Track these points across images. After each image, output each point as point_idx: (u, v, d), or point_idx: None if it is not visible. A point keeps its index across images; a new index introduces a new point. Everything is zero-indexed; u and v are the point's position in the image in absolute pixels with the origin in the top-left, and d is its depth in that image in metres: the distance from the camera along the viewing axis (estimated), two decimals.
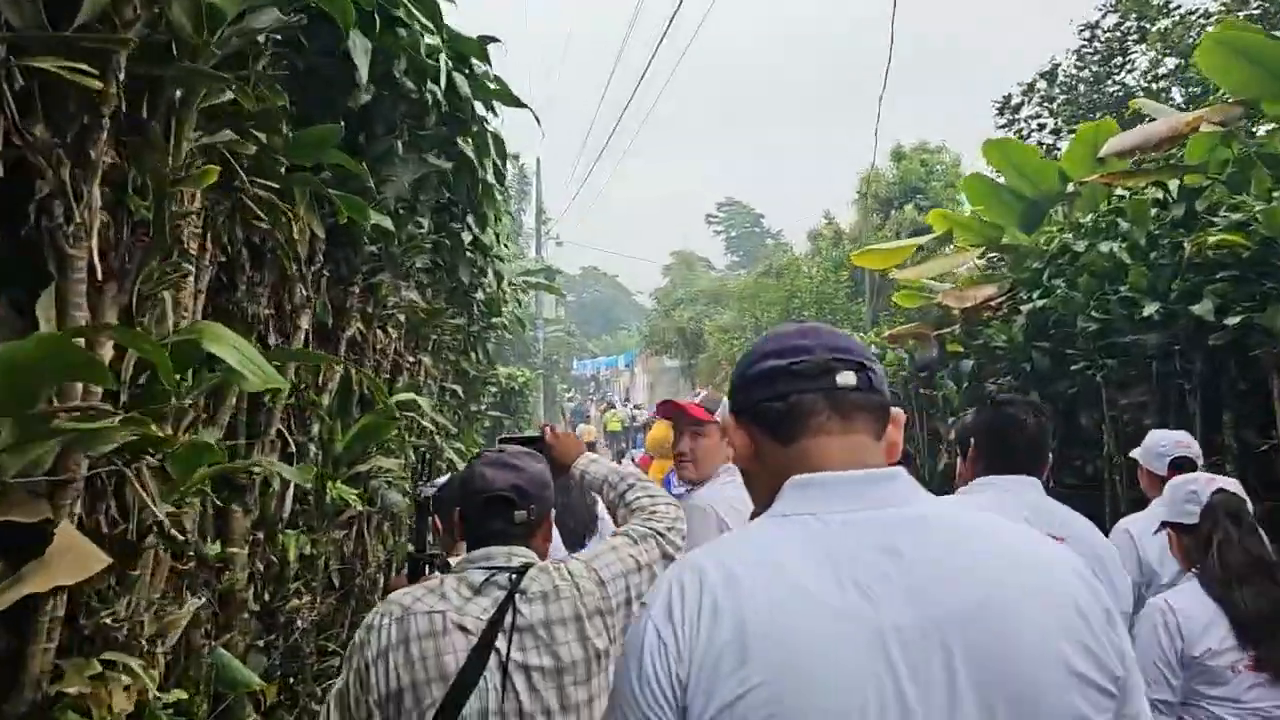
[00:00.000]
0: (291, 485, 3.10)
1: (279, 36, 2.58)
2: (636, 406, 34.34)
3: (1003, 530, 1.12)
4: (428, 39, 3.34)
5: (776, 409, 1.18)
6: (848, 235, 24.20)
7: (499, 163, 4.31)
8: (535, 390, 15.18)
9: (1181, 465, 3.51)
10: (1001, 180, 7.14)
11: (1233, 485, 2.80)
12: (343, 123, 3.07)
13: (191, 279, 2.05)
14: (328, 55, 2.98)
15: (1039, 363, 5.81)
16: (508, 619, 1.78)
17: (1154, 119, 5.88)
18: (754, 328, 15.67)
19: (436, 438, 6.07)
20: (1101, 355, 5.15)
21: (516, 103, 4.24)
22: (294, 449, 3.00)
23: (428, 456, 5.83)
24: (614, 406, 31.38)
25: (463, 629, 1.76)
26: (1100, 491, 5.42)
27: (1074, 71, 11.30)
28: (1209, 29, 10.17)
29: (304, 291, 2.93)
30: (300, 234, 2.83)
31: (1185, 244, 4.44)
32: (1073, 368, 5.39)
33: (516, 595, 1.80)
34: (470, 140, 4.09)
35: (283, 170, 2.59)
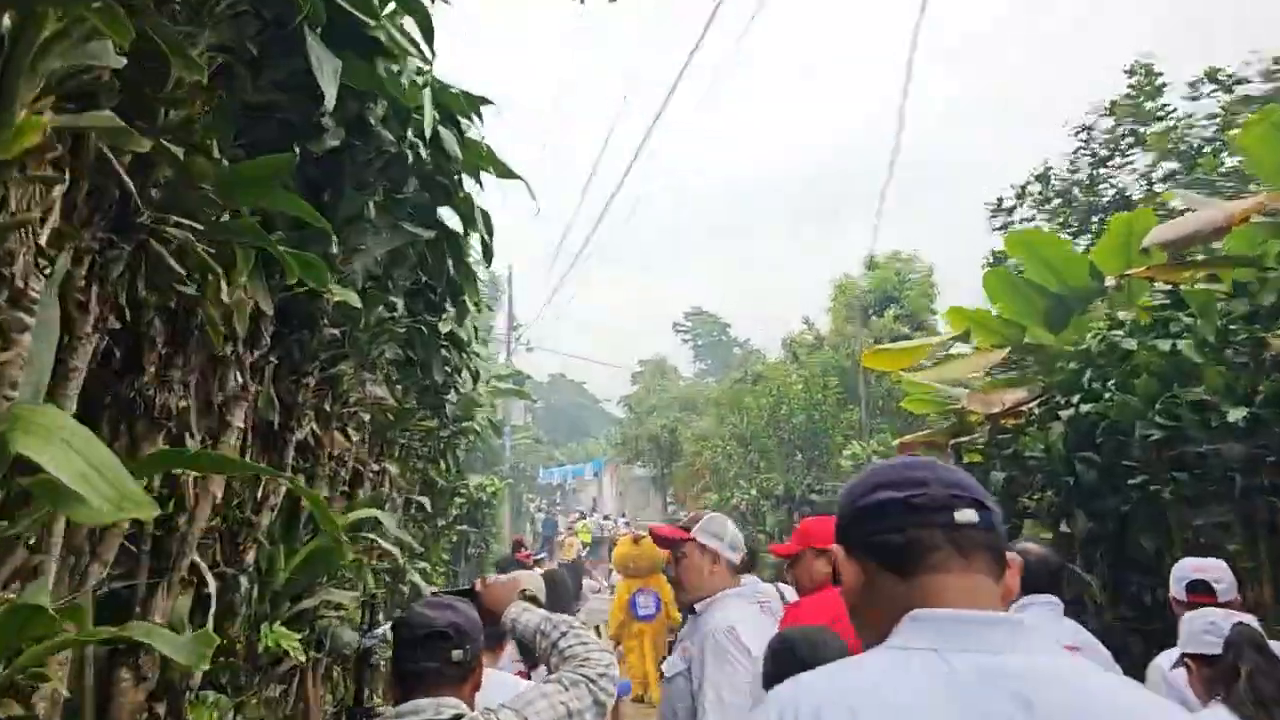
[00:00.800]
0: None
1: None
2: (605, 517, 33.25)
3: (1125, 692, 1.08)
4: (414, 76, 2.73)
5: (894, 542, 1.17)
6: (828, 341, 23.95)
7: (486, 239, 3.68)
8: (502, 501, 14.25)
9: (1197, 588, 3.51)
10: (1023, 275, 6.67)
11: (1249, 618, 2.84)
12: (301, 172, 2.43)
13: (34, 340, 1.33)
14: (284, 89, 2.37)
15: (1084, 476, 5.17)
16: None
17: (1187, 211, 5.44)
18: (734, 434, 15.03)
19: (399, 558, 5.29)
20: (1169, 468, 4.53)
21: (510, 174, 3.63)
22: (212, 587, 2.23)
23: (372, 602, 5.10)
24: (584, 516, 30.23)
25: None
26: (1164, 623, 4.71)
27: (1067, 175, 11.18)
28: (1213, 130, 10.09)
29: (239, 379, 2.23)
30: (238, 304, 2.15)
31: (1268, 338, 3.89)
32: (1129, 482, 4.77)
33: None
34: (455, 211, 3.47)
35: (216, 217, 1.94)
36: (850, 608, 1.27)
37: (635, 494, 44.56)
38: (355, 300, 2.73)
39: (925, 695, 1.03)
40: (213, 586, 2.17)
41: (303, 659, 2.98)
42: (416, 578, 5.56)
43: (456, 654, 1.91)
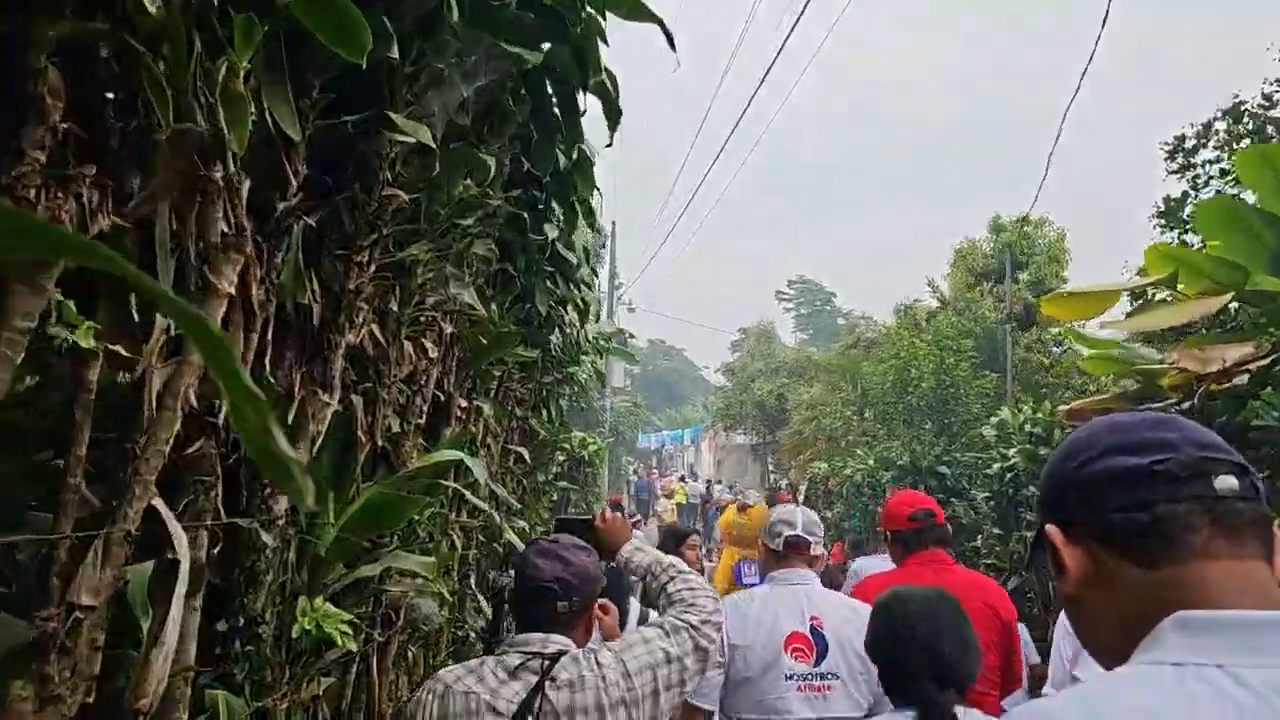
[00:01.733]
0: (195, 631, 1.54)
1: None
2: (709, 482, 32.50)
3: None
4: None
5: (1138, 523, 0.92)
6: (951, 307, 22.39)
7: (611, 101, 2.74)
8: (603, 461, 13.53)
9: None
10: (1252, 205, 5.38)
11: None
12: None
13: None
14: None
15: None
16: (536, 703, 1.86)
17: None
18: (851, 402, 13.86)
19: (495, 514, 4.51)
20: None
21: (646, 13, 2.61)
22: (182, 549, 1.38)
23: (501, 548, 4.52)
24: (684, 479, 29.45)
25: (494, 710, 1.86)
26: None
27: (1260, 110, 9.57)
28: None
29: (231, 219, 1.37)
30: (231, 100, 1.30)
31: None
32: None
33: (546, 682, 1.88)
34: (571, 49, 2.53)
35: None
36: (1074, 608, 1.00)
37: (733, 462, 43.72)
38: (429, 139, 1.85)
39: None
40: (183, 548, 1.32)
41: (354, 646, 2.17)
42: (513, 537, 4.75)
43: (562, 605, 2.00)
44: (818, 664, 2.86)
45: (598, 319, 9.66)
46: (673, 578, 2.26)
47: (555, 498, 9.40)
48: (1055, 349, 13.95)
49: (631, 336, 21.04)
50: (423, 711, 1.94)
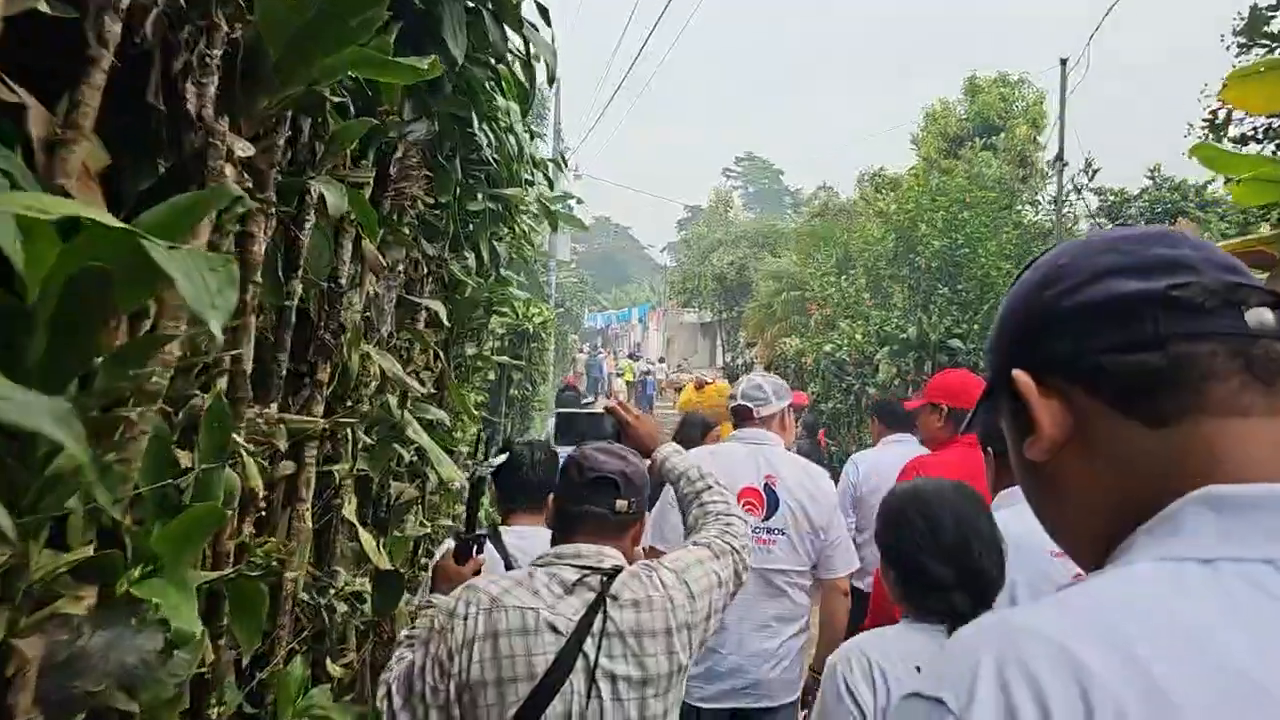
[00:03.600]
0: None
1: None
2: (652, 361, 31.79)
3: None
4: None
5: (1140, 364, 0.67)
6: (925, 174, 20.82)
7: None
8: (551, 335, 11.83)
9: None
10: None
11: None
12: None
13: None
14: None
15: None
16: (598, 623, 1.73)
17: None
18: (829, 271, 12.17)
19: (390, 399, 2.89)
20: None
21: None
22: None
23: (483, 436, 3.62)
24: (633, 357, 28.18)
25: (554, 629, 1.71)
26: None
27: None
28: None
29: None
30: None
31: None
32: None
33: (608, 600, 1.75)
34: None
35: None
36: (1040, 484, 0.75)
37: (683, 340, 42.75)
38: None
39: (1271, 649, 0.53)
40: None
41: None
42: (422, 437, 3.08)
43: (621, 504, 1.87)
44: (766, 519, 3.05)
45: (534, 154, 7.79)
46: (710, 486, 2.18)
47: (492, 377, 7.72)
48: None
49: (579, 201, 19.04)
50: (462, 626, 1.70)
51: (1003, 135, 21.52)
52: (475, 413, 3.99)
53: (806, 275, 13.92)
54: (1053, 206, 12.94)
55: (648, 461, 2.21)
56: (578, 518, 1.87)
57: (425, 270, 3.59)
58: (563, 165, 5.23)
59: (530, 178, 4.81)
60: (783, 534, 3.04)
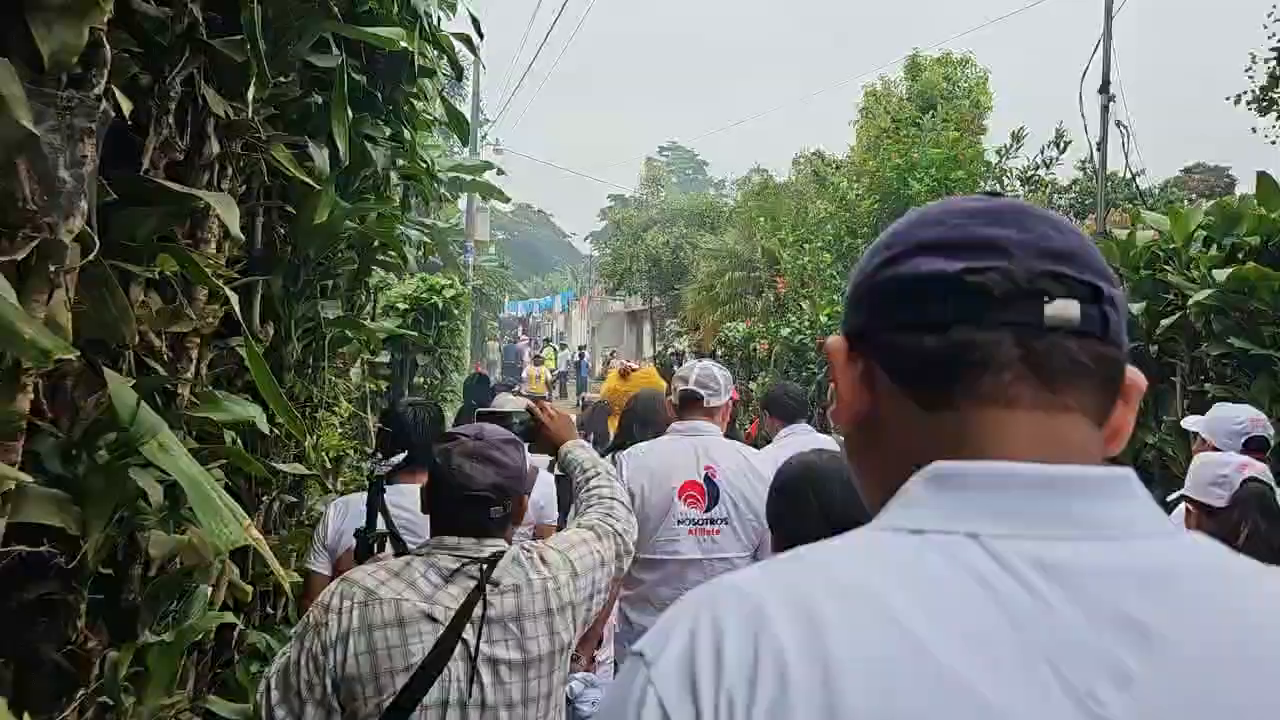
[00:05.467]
0: None
1: None
2: (581, 347, 30.42)
3: None
4: None
5: (923, 346, 0.67)
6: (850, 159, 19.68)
7: None
8: (466, 311, 10.04)
9: (1260, 445, 3.37)
10: None
11: (1262, 470, 2.75)
12: None
13: None
14: None
15: None
16: (478, 610, 1.74)
17: None
18: (782, 246, 10.59)
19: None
20: None
21: None
22: None
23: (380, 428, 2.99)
24: (551, 343, 26.48)
25: (431, 618, 1.72)
26: None
27: None
28: None
29: None
30: None
31: None
32: None
33: (488, 586, 1.76)
34: None
35: None
36: (847, 444, 0.77)
37: (609, 329, 41.21)
38: None
39: (957, 625, 0.55)
40: None
41: None
42: (178, 461, 1.35)
43: (496, 511, 1.85)
44: (709, 510, 3.08)
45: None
46: (599, 474, 2.25)
47: (386, 358, 5.98)
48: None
49: (500, 172, 17.16)
50: (336, 621, 1.69)
51: (942, 112, 20.52)
52: (295, 413, 2.30)
53: (765, 247, 12.46)
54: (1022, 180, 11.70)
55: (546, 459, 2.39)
56: (453, 521, 1.84)
57: (185, 120, 1.91)
58: (477, 44, 3.55)
59: (428, 38, 3.14)
60: (725, 523, 3.06)
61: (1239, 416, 3.51)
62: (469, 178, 16.10)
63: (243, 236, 1.93)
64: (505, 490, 1.86)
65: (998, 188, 11.35)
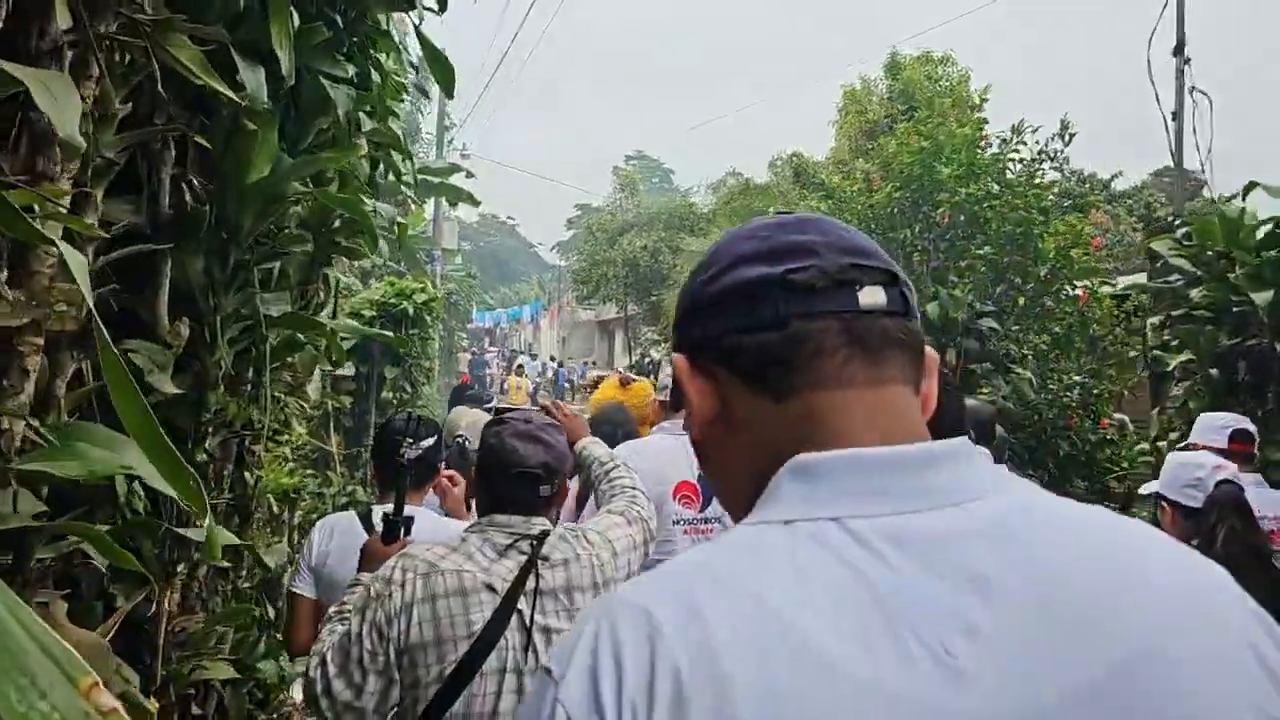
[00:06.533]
0: None
1: None
2: (552, 358, 29.56)
3: (1135, 535, 0.67)
4: None
5: (763, 344, 0.74)
6: (830, 161, 19.06)
7: None
8: (438, 319, 9.15)
9: (1244, 439, 3.59)
10: None
11: (1232, 470, 2.89)
12: None
13: None
14: None
15: None
16: (530, 582, 1.81)
17: None
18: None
19: None
20: None
21: None
22: None
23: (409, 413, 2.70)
24: (526, 355, 25.56)
25: (490, 588, 1.79)
26: None
27: None
28: None
29: None
30: None
31: None
32: None
33: (539, 560, 1.84)
34: None
35: None
36: (701, 453, 0.83)
37: (580, 339, 40.41)
38: None
39: (822, 603, 0.60)
40: None
41: None
42: None
43: (544, 489, 1.93)
44: (703, 509, 3.02)
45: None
46: (617, 465, 2.33)
47: (348, 369, 5.13)
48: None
49: (469, 175, 16.28)
50: (400, 591, 1.76)
51: (921, 111, 19.94)
52: (182, 463, 1.51)
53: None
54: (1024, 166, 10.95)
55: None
56: (501, 500, 1.91)
57: None
58: (444, 152, 2.76)
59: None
60: (719, 522, 2.99)
61: (1220, 419, 3.77)
62: (436, 180, 15.09)
63: (82, 143, 1.13)
64: (553, 469, 1.94)
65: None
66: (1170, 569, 0.64)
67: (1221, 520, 2.69)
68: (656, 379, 3.54)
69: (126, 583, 1.92)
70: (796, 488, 0.67)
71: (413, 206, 19.04)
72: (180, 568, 2.05)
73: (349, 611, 1.87)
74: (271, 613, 2.87)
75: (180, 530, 1.71)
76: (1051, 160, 10.63)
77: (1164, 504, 2.97)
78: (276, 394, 2.82)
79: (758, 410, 0.73)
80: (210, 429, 2.18)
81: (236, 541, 1.83)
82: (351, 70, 2.56)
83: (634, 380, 7.64)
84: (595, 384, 7.05)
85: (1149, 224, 8.23)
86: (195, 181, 2.00)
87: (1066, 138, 10.17)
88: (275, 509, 2.78)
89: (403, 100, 4.00)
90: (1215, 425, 3.74)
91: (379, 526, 2.21)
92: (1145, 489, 3.48)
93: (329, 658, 1.76)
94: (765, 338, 0.72)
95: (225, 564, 2.22)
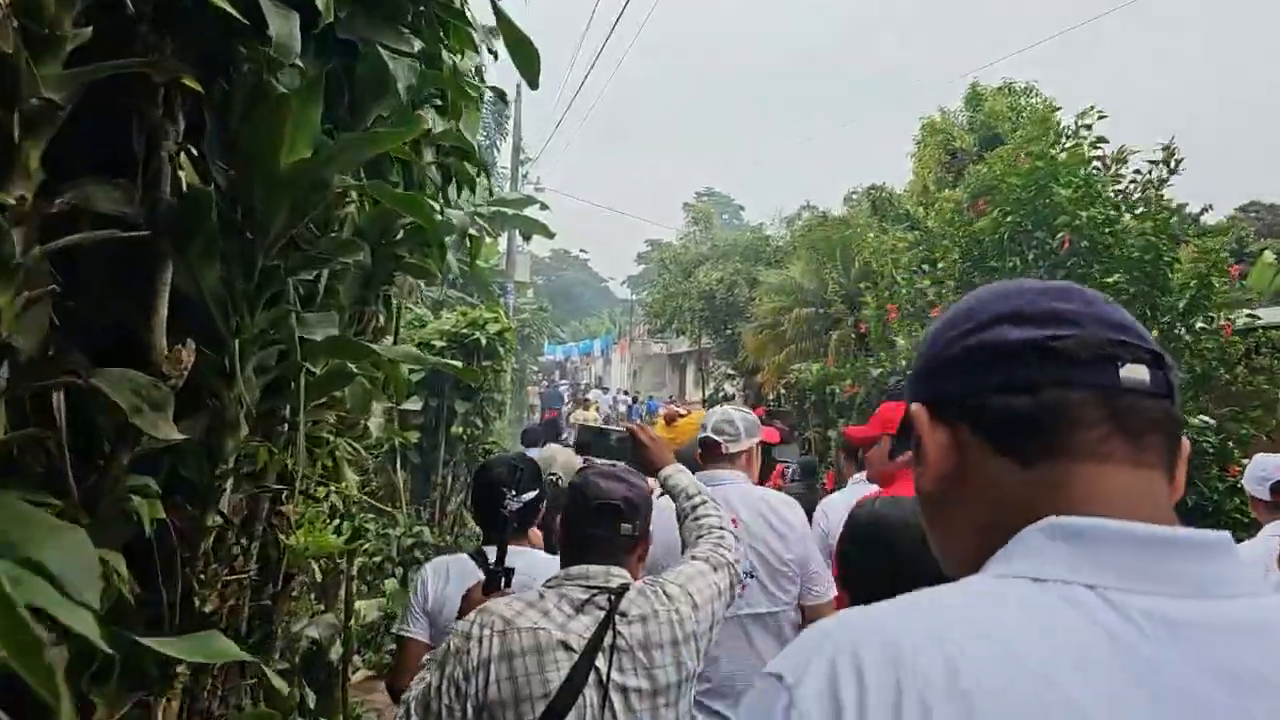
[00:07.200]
0: None
1: None
2: (625, 392, 29.18)
3: None
4: None
5: (1016, 407, 0.73)
6: (911, 192, 18.32)
7: None
8: (511, 352, 8.76)
9: None
10: None
11: None
12: None
13: None
14: None
15: None
16: (607, 639, 1.78)
17: None
18: (908, 267, 9.04)
19: None
20: None
21: None
22: None
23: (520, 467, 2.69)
24: (597, 388, 25.20)
25: (566, 646, 1.76)
26: None
27: None
28: None
29: None
30: None
31: None
32: None
33: (616, 616, 1.81)
34: None
35: None
36: (932, 509, 0.81)
37: (651, 372, 39.98)
38: None
39: (1079, 666, 0.58)
40: None
41: None
42: None
43: (626, 527, 1.93)
44: None
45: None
46: (705, 501, 2.24)
47: (415, 404, 4.71)
48: None
49: (544, 208, 15.99)
50: (477, 648, 1.74)
51: (1008, 146, 19.07)
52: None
53: (838, 282, 11.01)
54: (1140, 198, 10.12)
55: (653, 481, 2.28)
56: (584, 541, 1.91)
57: None
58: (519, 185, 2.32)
59: None
60: (751, 576, 2.86)
61: (1265, 464, 3.77)
62: (511, 211, 14.80)
63: None
64: (635, 505, 1.94)
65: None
66: None
67: None
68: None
69: (107, 686, 1.45)
70: (1053, 547, 0.66)
71: (487, 239, 18.95)
72: (182, 666, 1.58)
73: (434, 661, 1.84)
74: (313, 699, 2.39)
75: (148, 643, 1.22)
76: (1156, 189, 9.68)
77: (1251, 498, 3.30)
78: (324, 435, 2.36)
79: (1002, 471, 0.73)
80: (228, 483, 1.71)
81: (243, 657, 1.35)
82: (416, 45, 2.12)
83: (681, 415, 7.08)
84: (671, 420, 6.55)
85: (1241, 258, 7.46)
86: (214, 169, 1.55)
87: (1173, 164, 9.21)
88: (321, 574, 2.31)
89: (479, 104, 3.58)
90: (1256, 475, 3.77)
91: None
92: (1266, 530, 3.56)
93: (413, 709, 1.75)
94: (1018, 401, 0.72)
95: (246, 657, 1.74)
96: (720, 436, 3.12)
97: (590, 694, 1.72)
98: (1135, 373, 0.71)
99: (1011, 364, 0.73)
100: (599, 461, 2.35)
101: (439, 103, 2.56)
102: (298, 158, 1.54)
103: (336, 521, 2.45)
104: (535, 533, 2.81)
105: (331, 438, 2.39)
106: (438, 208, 2.36)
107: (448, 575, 2.56)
